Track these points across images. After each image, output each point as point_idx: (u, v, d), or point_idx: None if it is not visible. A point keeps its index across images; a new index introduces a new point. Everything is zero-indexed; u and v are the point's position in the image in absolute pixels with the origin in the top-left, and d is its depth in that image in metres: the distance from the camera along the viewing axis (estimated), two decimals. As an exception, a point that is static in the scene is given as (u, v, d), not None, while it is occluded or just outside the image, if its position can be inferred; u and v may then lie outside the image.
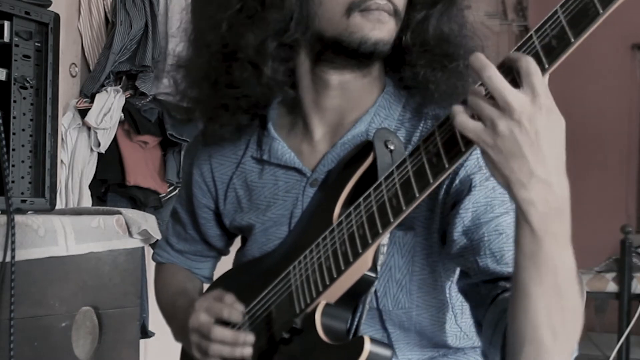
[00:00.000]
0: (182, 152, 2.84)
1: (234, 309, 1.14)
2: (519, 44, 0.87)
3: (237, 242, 1.38)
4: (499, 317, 1.00)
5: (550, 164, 0.85)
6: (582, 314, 0.96)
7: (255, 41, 1.12)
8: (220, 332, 1.13)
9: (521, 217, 0.88)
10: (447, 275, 1.15)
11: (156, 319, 2.28)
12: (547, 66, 0.85)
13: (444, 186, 1.09)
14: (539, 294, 0.90)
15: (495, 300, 1.03)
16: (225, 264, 1.40)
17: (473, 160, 1.07)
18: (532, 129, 0.83)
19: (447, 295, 1.16)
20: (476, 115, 0.86)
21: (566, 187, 0.87)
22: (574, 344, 0.97)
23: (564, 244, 0.89)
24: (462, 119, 0.87)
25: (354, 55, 1.11)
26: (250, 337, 1.11)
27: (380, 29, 1.09)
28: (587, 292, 1.31)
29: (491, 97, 0.85)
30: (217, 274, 1.40)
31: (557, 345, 0.93)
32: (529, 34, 0.87)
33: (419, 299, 1.13)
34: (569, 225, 0.89)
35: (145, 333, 2.64)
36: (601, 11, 0.81)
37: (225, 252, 1.45)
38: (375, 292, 1.12)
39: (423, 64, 1.13)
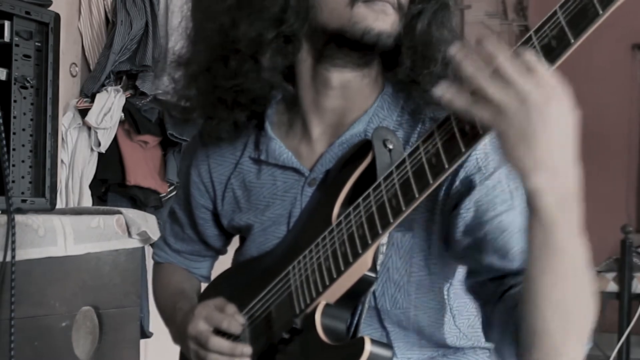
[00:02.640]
0: (182, 152, 2.84)
1: (234, 320, 1.14)
2: (518, 44, 0.87)
3: (235, 241, 1.38)
4: (508, 314, 1.00)
5: (560, 152, 0.84)
6: (595, 302, 0.95)
7: (253, 32, 1.11)
8: (217, 342, 1.12)
9: (532, 205, 0.87)
10: (445, 276, 1.15)
11: (156, 319, 2.28)
12: (547, 67, 0.85)
13: (444, 188, 1.09)
14: (549, 285, 0.90)
15: (503, 297, 1.03)
16: (225, 263, 1.40)
17: (472, 162, 1.07)
18: (543, 117, 0.83)
19: (445, 296, 1.15)
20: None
21: (575, 176, 0.86)
22: (587, 335, 0.96)
23: (574, 232, 0.89)
24: (476, 109, 0.85)
25: (357, 46, 1.11)
26: (247, 349, 1.11)
27: (383, 20, 1.09)
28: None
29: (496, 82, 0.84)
30: (215, 273, 1.39)
31: (570, 336, 0.92)
32: (528, 34, 0.86)
33: (417, 300, 1.13)
34: (579, 214, 0.88)
35: (144, 333, 2.64)
36: (601, 12, 0.81)
37: (223, 251, 1.45)
38: (374, 291, 1.12)
39: (409, 65, 1.12)
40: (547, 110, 0.83)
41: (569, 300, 0.91)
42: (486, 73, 0.85)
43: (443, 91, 0.87)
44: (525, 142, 0.84)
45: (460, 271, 1.16)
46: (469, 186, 1.07)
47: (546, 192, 0.85)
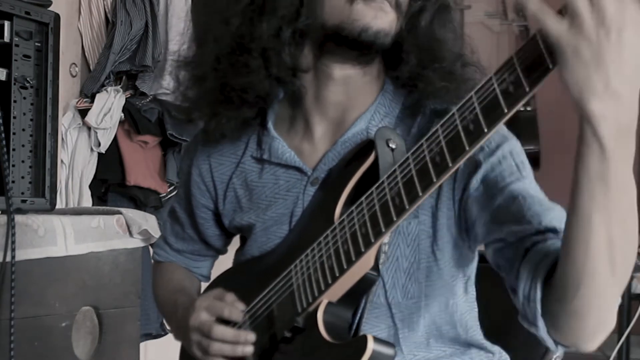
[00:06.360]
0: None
1: (235, 307, 1.15)
2: (477, 88, 0.88)
3: (236, 241, 1.38)
4: (535, 269, 0.96)
5: (629, 80, 0.81)
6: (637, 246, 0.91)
7: (270, 30, 1.13)
8: (221, 330, 1.13)
9: (589, 133, 0.83)
10: (455, 265, 1.14)
11: (156, 319, 2.27)
12: (505, 111, 0.85)
13: None
14: (603, 222, 0.86)
15: (527, 255, 0.99)
16: (225, 263, 1.39)
17: None
18: (620, 40, 0.80)
19: (455, 284, 1.16)
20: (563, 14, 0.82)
21: (637, 109, 0.83)
22: (626, 280, 0.91)
23: (630, 168, 0.85)
24: (548, 19, 0.82)
25: (355, 45, 1.12)
26: (251, 336, 1.12)
27: (382, 18, 1.10)
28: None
29: None
30: (215, 273, 1.39)
31: (614, 282, 0.89)
32: (488, 77, 0.87)
33: (427, 288, 1.13)
34: (634, 149, 0.85)
35: (164, 330, 2.64)
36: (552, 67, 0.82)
37: (223, 251, 1.45)
38: (384, 285, 1.12)
39: (415, 62, 1.13)
40: (625, 34, 0.79)
41: (620, 239, 0.87)
42: None
43: None
44: (597, 62, 0.80)
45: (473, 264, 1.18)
46: (474, 166, 1.07)
47: (607, 120, 0.81)
